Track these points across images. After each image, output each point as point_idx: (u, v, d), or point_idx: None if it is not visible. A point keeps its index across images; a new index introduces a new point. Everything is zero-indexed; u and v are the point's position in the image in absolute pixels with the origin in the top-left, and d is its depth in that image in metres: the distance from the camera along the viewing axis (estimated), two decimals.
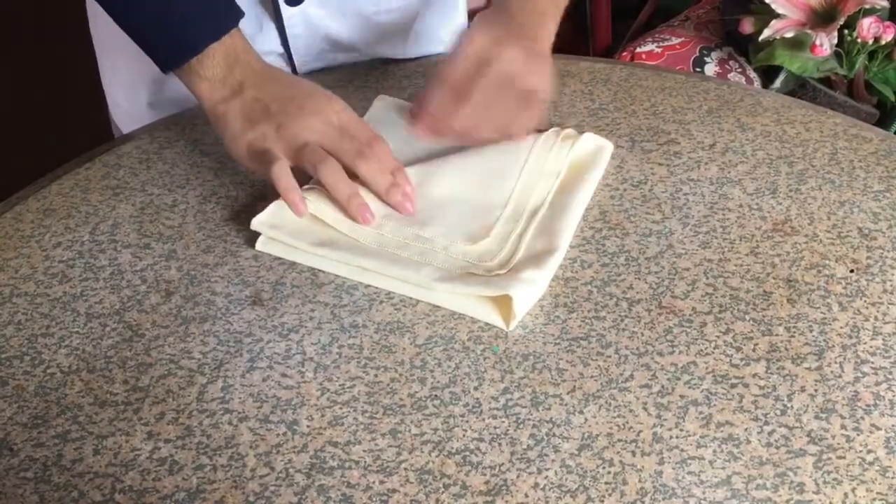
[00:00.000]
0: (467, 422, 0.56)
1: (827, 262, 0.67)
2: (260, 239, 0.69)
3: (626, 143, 0.80)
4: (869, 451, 0.54)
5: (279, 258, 0.68)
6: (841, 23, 1.28)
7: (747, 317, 0.63)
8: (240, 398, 0.58)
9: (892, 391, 0.57)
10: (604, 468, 0.53)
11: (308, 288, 0.66)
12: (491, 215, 0.70)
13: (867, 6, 1.28)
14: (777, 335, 0.61)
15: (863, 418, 0.56)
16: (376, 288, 0.65)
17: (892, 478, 0.52)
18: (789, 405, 0.57)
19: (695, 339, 0.61)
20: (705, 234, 0.70)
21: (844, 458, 0.53)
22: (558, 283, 0.65)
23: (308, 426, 0.56)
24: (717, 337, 0.61)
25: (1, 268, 0.68)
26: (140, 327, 0.63)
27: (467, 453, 0.54)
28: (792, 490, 0.52)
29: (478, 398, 0.57)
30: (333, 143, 0.69)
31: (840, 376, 0.58)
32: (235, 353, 0.61)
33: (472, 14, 1.17)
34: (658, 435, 0.55)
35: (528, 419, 0.56)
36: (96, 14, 0.91)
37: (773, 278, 0.66)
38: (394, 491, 0.52)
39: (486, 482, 0.52)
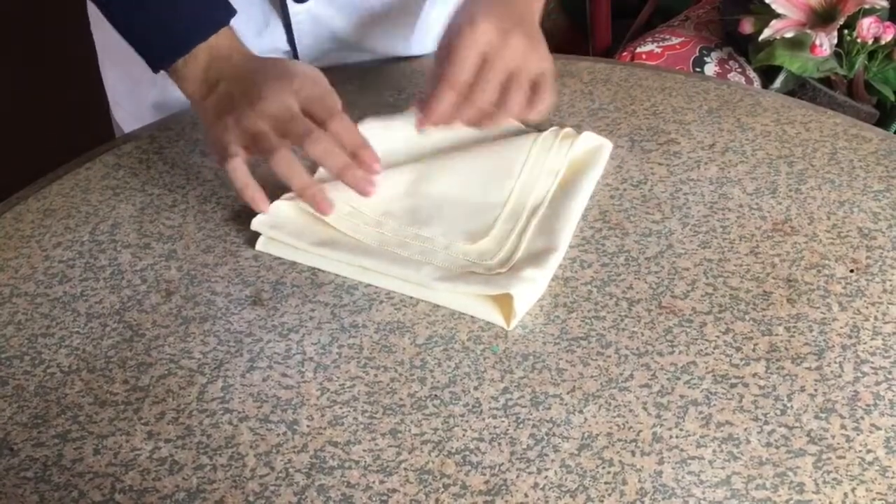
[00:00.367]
0: (467, 422, 0.56)
1: (827, 261, 0.67)
2: (260, 239, 0.69)
3: (625, 143, 0.80)
4: (869, 451, 0.54)
5: (279, 258, 0.68)
6: (841, 23, 1.29)
7: (747, 317, 0.63)
8: (240, 398, 0.58)
9: (892, 391, 0.57)
10: (603, 468, 0.53)
11: (308, 288, 0.66)
12: (490, 214, 0.70)
13: (867, 6, 1.28)
14: (777, 335, 0.61)
15: (863, 418, 0.56)
16: (376, 288, 0.65)
17: (892, 478, 0.52)
18: (789, 405, 0.57)
19: (695, 339, 0.61)
20: (705, 233, 0.70)
21: (844, 458, 0.53)
22: (558, 283, 0.65)
23: (308, 426, 0.56)
24: (717, 337, 0.61)
25: (1, 268, 0.68)
26: (140, 327, 0.63)
27: (467, 453, 0.54)
28: (792, 490, 0.52)
29: (478, 398, 0.57)
30: (283, 128, 0.67)
31: (840, 376, 0.58)
32: (235, 352, 0.61)
33: None
34: (658, 435, 0.55)
35: (528, 419, 0.56)
36: (99, 16, 0.91)
37: (773, 278, 0.66)
38: (394, 491, 0.52)
39: (486, 482, 0.52)
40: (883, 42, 1.31)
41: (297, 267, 0.67)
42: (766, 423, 0.56)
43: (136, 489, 0.53)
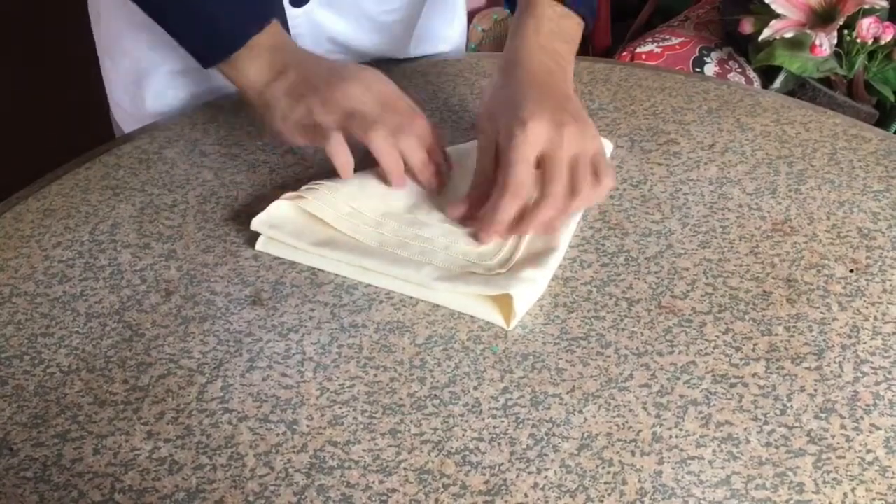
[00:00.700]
0: (467, 421, 0.56)
1: (826, 261, 0.67)
2: (260, 239, 0.69)
3: (625, 143, 0.80)
4: (868, 451, 0.54)
5: (279, 258, 0.68)
6: (840, 23, 1.29)
7: (747, 317, 0.63)
8: (239, 398, 0.58)
9: (892, 391, 0.57)
10: (603, 468, 0.53)
11: (308, 288, 0.66)
12: None
13: (867, 6, 1.28)
14: (777, 335, 0.61)
15: (862, 418, 0.56)
16: (376, 288, 0.65)
17: (892, 478, 0.52)
18: (789, 405, 0.57)
19: (694, 339, 0.61)
20: (705, 233, 0.70)
21: (844, 458, 0.53)
22: (558, 283, 0.65)
23: (308, 426, 0.56)
24: (717, 337, 0.61)
25: (1, 268, 0.68)
26: (140, 327, 0.63)
27: (467, 453, 0.54)
28: (791, 490, 0.52)
29: (477, 398, 0.57)
30: (375, 113, 0.69)
31: (840, 376, 0.58)
32: (235, 352, 0.61)
33: (471, 14, 1.17)
34: (657, 435, 0.55)
35: (528, 419, 0.56)
36: (100, 16, 0.91)
37: (773, 278, 0.66)
38: (393, 491, 0.52)
39: (486, 482, 0.52)
40: (883, 42, 1.31)
41: (296, 267, 0.67)
42: (766, 423, 0.56)
43: (135, 489, 0.53)
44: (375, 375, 0.59)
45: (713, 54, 1.49)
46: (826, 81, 1.38)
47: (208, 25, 0.73)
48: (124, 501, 0.52)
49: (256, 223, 0.69)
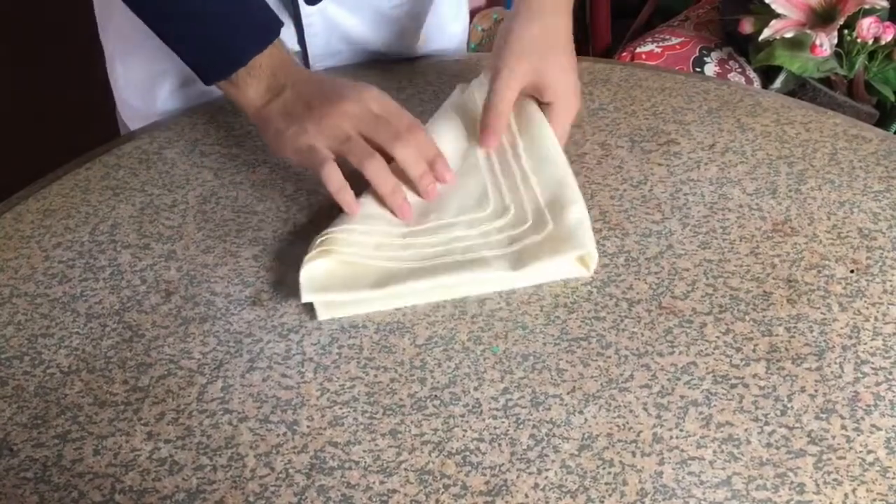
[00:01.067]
0: (467, 422, 0.56)
1: (827, 262, 0.67)
2: (319, 310, 0.63)
3: (625, 143, 0.80)
4: (869, 452, 0.54)
5: (279, 258, 0.68)
6: (841, 23, 1.29)
7: (747, 317, 0.63)
8: (240, 398, 0.58)
9: (893, 391, 0.57)
10: (604, 468, 0.53)
11: None
12: (479, 178, 0.71)
13: (867, 6, 1.28)
14: (777, 335, 0.61)
15: (863, 419, 0.56)
16: None
17: (892, 478, 0.52)
18: (789, 405, 0.57)
19: (695, 340, 0.61)
20: (705, 234, 0.70)
21: (845, 458, 0.53)
22: (558, 284, 0.65)
23: (308, 426, 0.56)
24: (717, 337, 0.61)
25: (1, 268, 0.68)
26: (140, 327, 0.63)
27: (467, 453, 0.54)
28: (792, 490, 0.52)
29: (478, 398, 0.57)
30: (371, 128, 0.69)
31: (840, 377, 0.58)
32: (235, 353, 0.61)
33: (471, 14, 1.17)
34: (658, 435, 0.55)
35: (528, 419, 0.56)
36: (112, 16, 0.91)
37: (773, 279, 0.66)
38: (394, 491, 0.52)
39: (486, 482, 0.52)
40: (883, 42, 1.31)
41: (296, 267, 0.67)
42: (767, 423, 0.55)
43: (135, 489, 0.53)
44: (376, 376, 0.59)
45: (713, 54, 1.49)
46: (826, 81, 1.38)
47: (211, 44, 0.73)
48: (124, 502, 0.52)
49: (307, 295, 0.63)
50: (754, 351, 0.60)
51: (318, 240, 0.65)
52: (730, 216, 0.71)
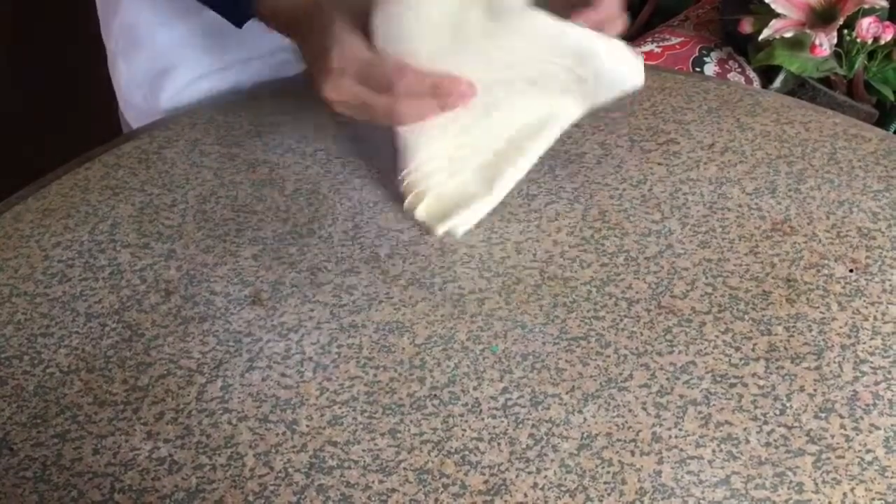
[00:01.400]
0: (466, 421, 0.56)
1: (826, 261, 0.67)
2: (455, 230, 0.69)
3: (625, 142, 0.80)
4: (868, 451, 0.54)
5: (278, 258, 0.68)
6: (840, 23, 1.28)
7: (746, 316, 0.63)
8: (239, 398, 0.58)
9: (892, 391, 0.57)
10: (603, 468, 0.53)
11: (307, 288, 0.66)
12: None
13: (867, 6, 1.28)
14: (776, 335, 0.61)
15: (862, 418, 0.56)
16: (376, 288, 0.65)
17: (891, 477, 0.52)
18: (788, 405, 0.57)
19: (694, 339, 0.61)
20: (704, 233, 0.70)
21: (843, 457, 0.53)
22: (557, 283, 0.65)
23: (307, 426, 0.56)
24: (717, 337, 0.61)
25: (0, 268, 0.68)
26: (139, 327, 0.63)
27: (466, 453, 0.54)
28: (791, 490, 0.52)
29: (477, 398, 0.57)
30: (360, 110, 0.64)
31: (839, 376, 0.58)
32: (235, 352, 0.61)
33: None
34: (657, 434, 0.55)
35: (528, 419, 0.56)
36: (117, 13, 0.91)
37: (773, 278, 0.66)
38: (393, 490, 0.52)
39: (485, 482, 0.52)
40: (882, 42, 1.31)
41: (296, 267, 0.67)
42: (766, 422, 0.55)
43: (135, 489, 0.53)
44: (375, 375, 0.59)
45: (713, 54, 1.49)
46: (826, 81, 1.38)
47: None
48: (124, 501, 0.52)
49: (440, 229, 0.68)
50: (753, 350, 0.60)
51: (406, 182, 0.68)
52: (729, 215, 0.71)
